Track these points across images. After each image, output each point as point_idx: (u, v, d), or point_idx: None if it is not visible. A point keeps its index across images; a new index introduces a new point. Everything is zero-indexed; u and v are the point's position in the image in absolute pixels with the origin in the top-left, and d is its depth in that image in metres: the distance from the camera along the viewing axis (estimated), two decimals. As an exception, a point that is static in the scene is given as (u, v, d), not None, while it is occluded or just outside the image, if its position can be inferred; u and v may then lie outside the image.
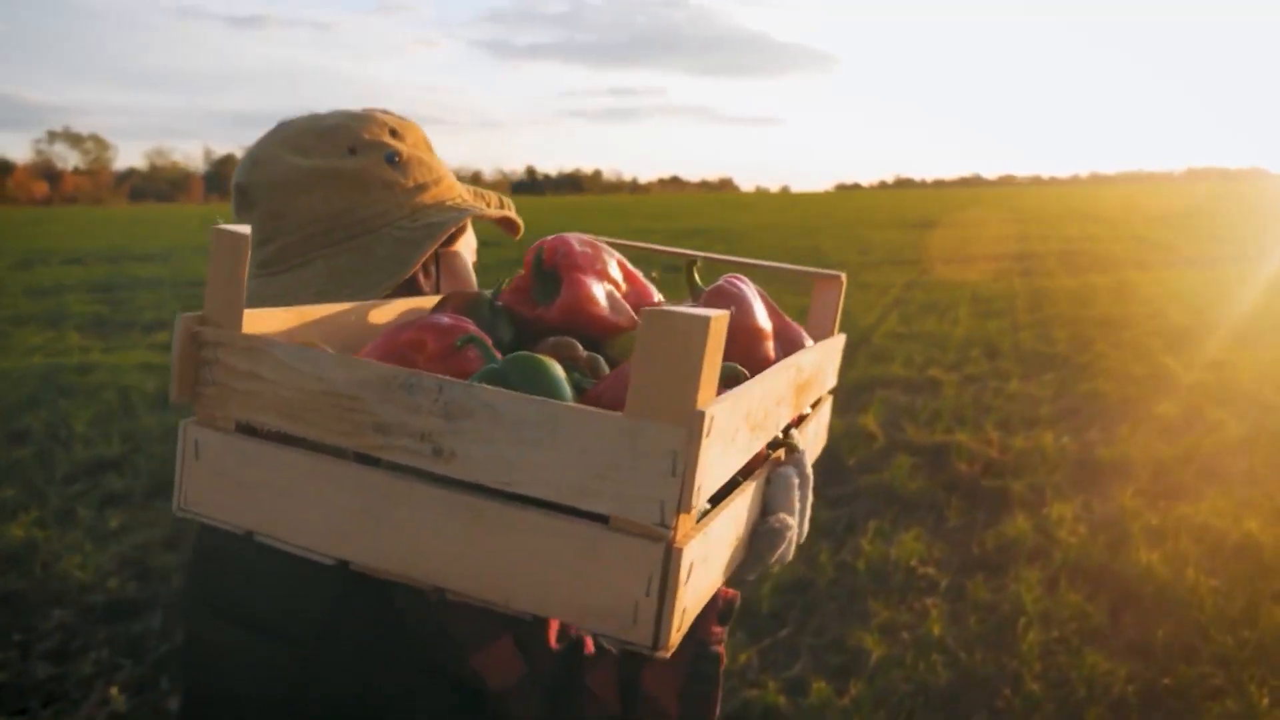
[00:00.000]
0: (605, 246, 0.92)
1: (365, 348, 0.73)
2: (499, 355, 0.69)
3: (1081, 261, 15.48)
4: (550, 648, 0.79)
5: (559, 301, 0.82)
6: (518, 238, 1.11)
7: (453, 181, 1.02)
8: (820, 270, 1.09)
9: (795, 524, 0.75)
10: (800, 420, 0.90)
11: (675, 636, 0.56)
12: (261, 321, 0.71)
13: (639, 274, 0.94)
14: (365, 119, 0.97)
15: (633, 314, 0.86)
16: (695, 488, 0.54)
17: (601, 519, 0.56)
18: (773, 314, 0.91)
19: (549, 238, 0.86)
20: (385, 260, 0.91)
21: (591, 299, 0.82)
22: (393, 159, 0.95)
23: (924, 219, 30.52)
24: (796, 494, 0.76)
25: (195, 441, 0.67)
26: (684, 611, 0.57)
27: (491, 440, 0.57)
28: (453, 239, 1.01)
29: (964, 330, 8.92)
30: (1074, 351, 7.82)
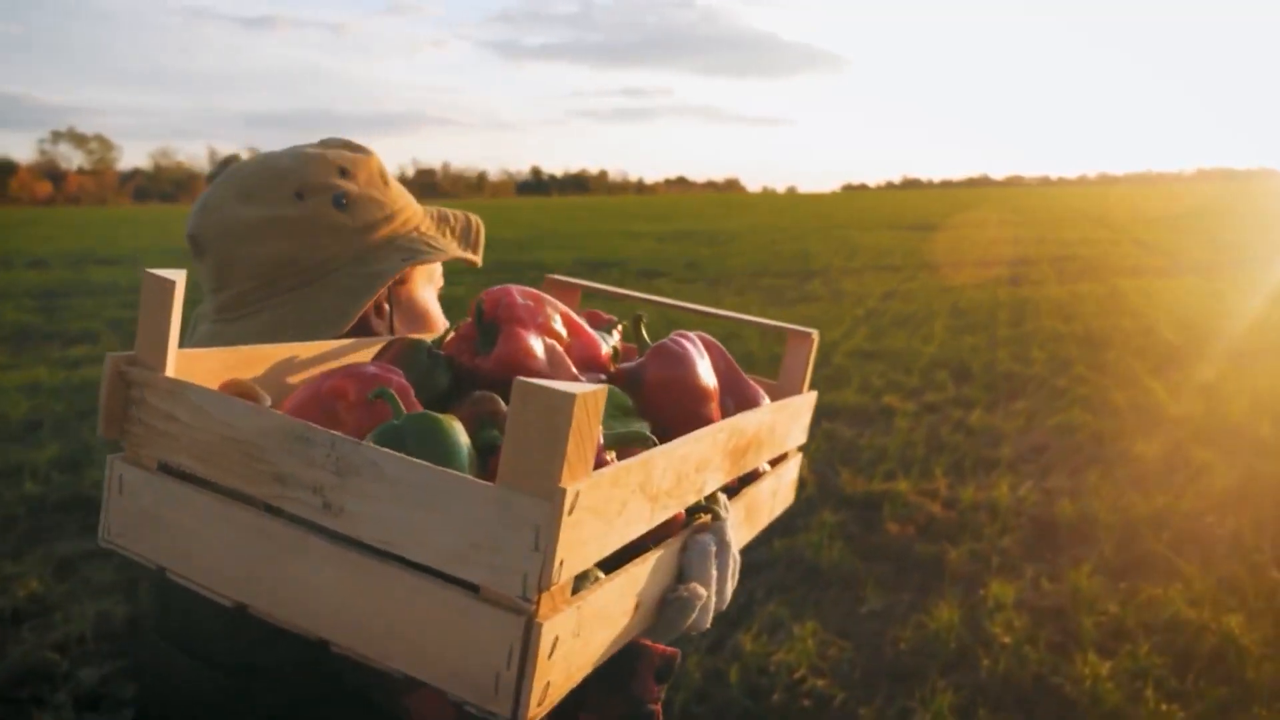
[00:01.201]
0: (550, 299, 0.91)
1: (293, 394, 0.74)
2: (405, 411, 0.69)
3: (1075, 268, 14.72)
4: None
5: (495, 353, 0.83)
6: (478, 265, 1.06)
7: (411, 213, 1.00)
8: (791, 326, 1.09)
9: (709, 593, 0.75)
10: (753, 478, 0.93)
11: (536, 710, 0.56)
12: (198, 362, 0.72)
13: (585, 327, 0.94)
14: (314, 160, 0.96)
15: (572, 369, 0.87)
16: (557, 563, 0.54)
17: (474, 587, 0.56)
18: (726, 372, 0.96)
19: (493, 289, 0.87)
20: (327, 310, 0.90)
21: (528, 352, 0.84)
22: (340, 201, 0.94)
23: (922, 221, 29.76)
24: (713, 562, 0.76)
25: (120, 476, 0.69)
26: (548, 685, 0.57)
27: (376, 499, 0.58)
28: (409, 275, 1.00)
29: (935, 348, 8.15)
30: (1051, 373, 7.06)
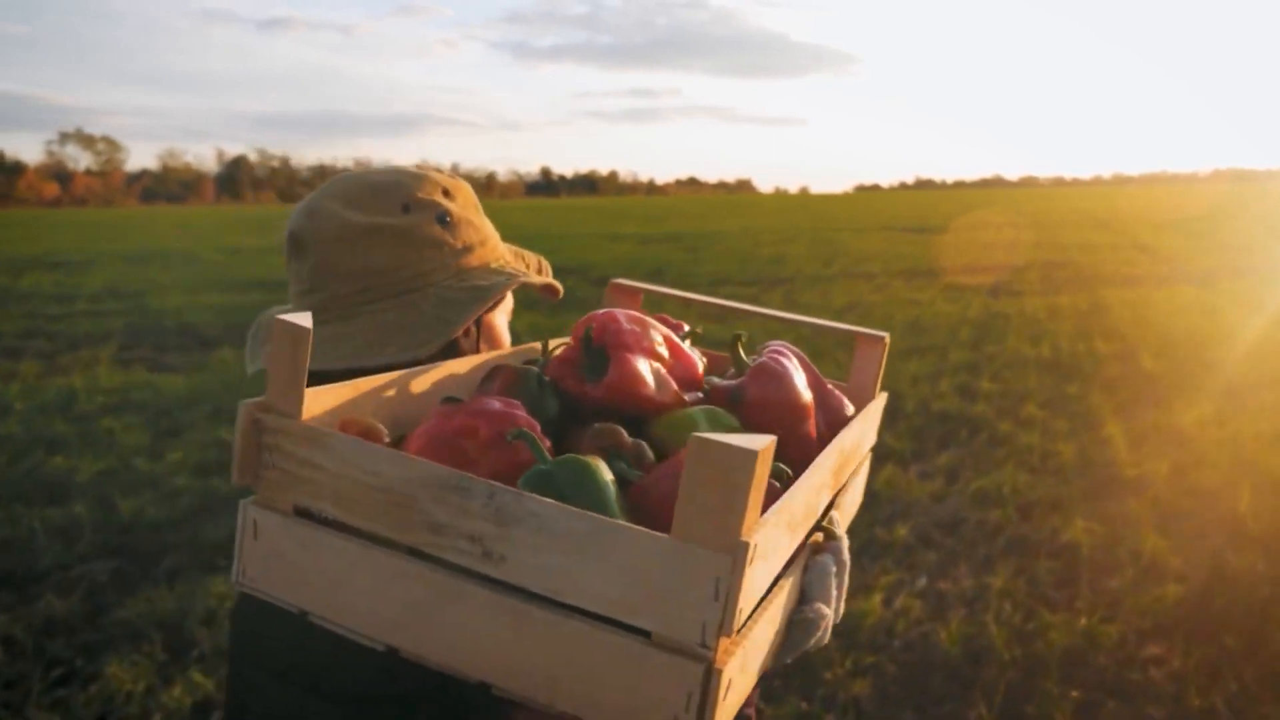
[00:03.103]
0: (652, 321, 0.92)
1: (418, 430, 0.75)
2: (548, 454, 0.70)
3: (1062, 276, 13.59)
4: None
5: (606, 380, 0.84)
6: (558, 300, 1.08)
7: (497, 243, 1.04)
8: (863, 330, 1.10)
9: (831, 611, 0.77)
10: (839, 492, 0.93)
11: None
12: (320, 398, 0.73)
13: (683, 346, 0.95)
14: (420, 178, 0.99)
15: (677, 390, 0.88)
16: (737, 611, 0.56)
17: (643, 633, 0.58)
18: (813, 382, 0.97)
19: (599, 313, 0.87)
20: (431, 320, 0.92)
21: (638, 378, 0.84)
22: (444, 219, 0.96)
23: (921, 224, 28.55)
24: (833, 581, 0.78)
25: (254, 521, 0.70)
26: None
27: (539, 549, 0.59)
28: (494, 305, 1.01)
29: (869, 379, 6.97)
30: (997, 413, 5.97)
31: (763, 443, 0.55)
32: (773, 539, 0.62)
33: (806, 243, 21.47)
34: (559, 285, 1.07)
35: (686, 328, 1.09)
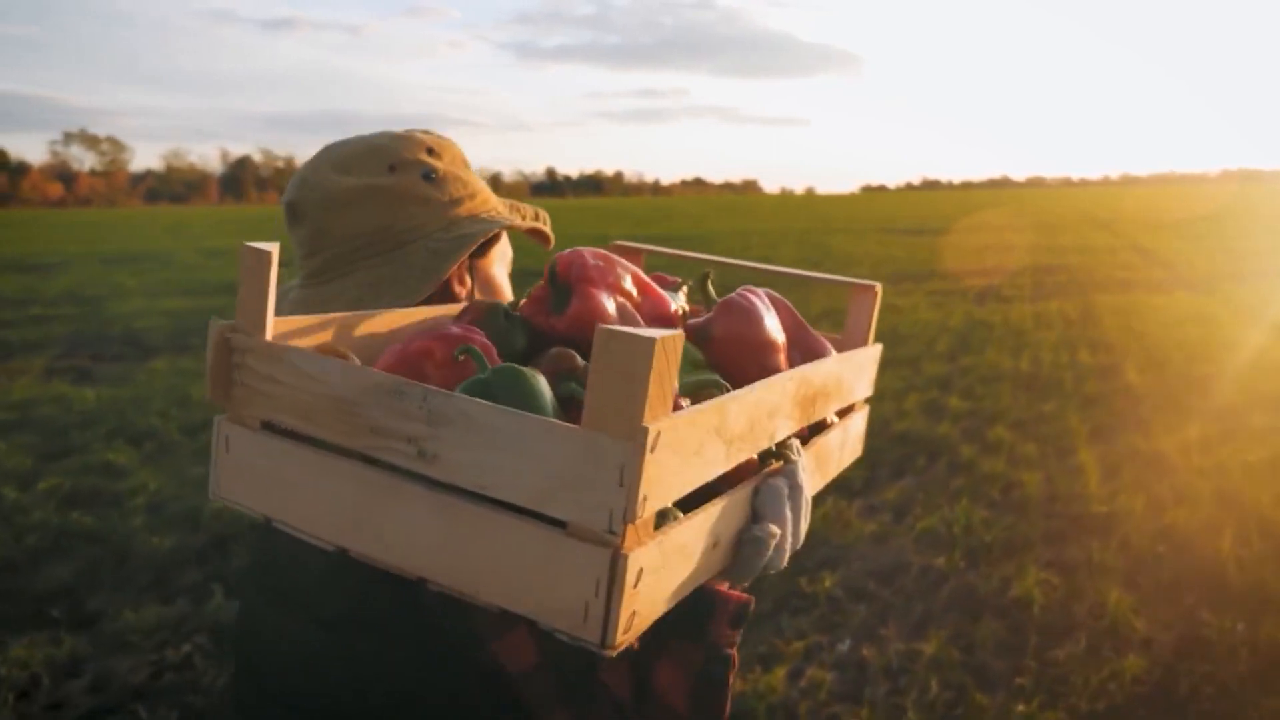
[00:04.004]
0: (620, 260, 0.93)
1: (383, 354, 0.79)
2: (490, 366, 0.72)
3: (1056, 281, 13.07)
4: None
5: (569, 312, 0.86)
6: (549, 248, 1.11)
7: (488, 196, 1.06)
8: (853, 280, 1.12)
9: (785, 533, 0.78)
10: (821, 429, 0.96)
11: (623, 637, 0.60)
12: (292, 327, 0.78)
13: (654, 286, 0.96)
14: (404, 139, 1.02)
15: (644, 326, 0.90)
16: (641, 498, 0.58)
17: (560, 524, 0.60)
18: (793, 325, 0.98)
19: (565, 252, 0.90)
20: (420, 270, 0.95)
21: (600, 311, 0.86)
22: (429, 175, 0.99)
23: (920, 225, 27.99)
24: (786, 503, 0.79)
25: (226, 436, 0.74)
26: (634, 614, 0.61)
27: (467, 446, 0.62)
28: (487, 251, 1.05)
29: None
30: (961, 436, 5.49)
31: (664, 334, 0.56)
32: (690, 436, 0.63)
33: (795, 245, 20.94)
34: (549, 231, 1.10)
35: (680, 281, 1.09)
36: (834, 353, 0.99)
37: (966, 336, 8.62)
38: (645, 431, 0.56)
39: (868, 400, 1.11)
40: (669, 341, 0.56)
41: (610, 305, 0.87)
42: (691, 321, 0.92)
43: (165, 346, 9.33)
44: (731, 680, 0.81)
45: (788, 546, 0.79)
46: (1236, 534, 3.98)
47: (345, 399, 0.67)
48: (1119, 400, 6.25)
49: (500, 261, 1.09)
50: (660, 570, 0.64)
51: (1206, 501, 4.36)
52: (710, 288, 1.00)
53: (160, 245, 25.36)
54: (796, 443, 0.86)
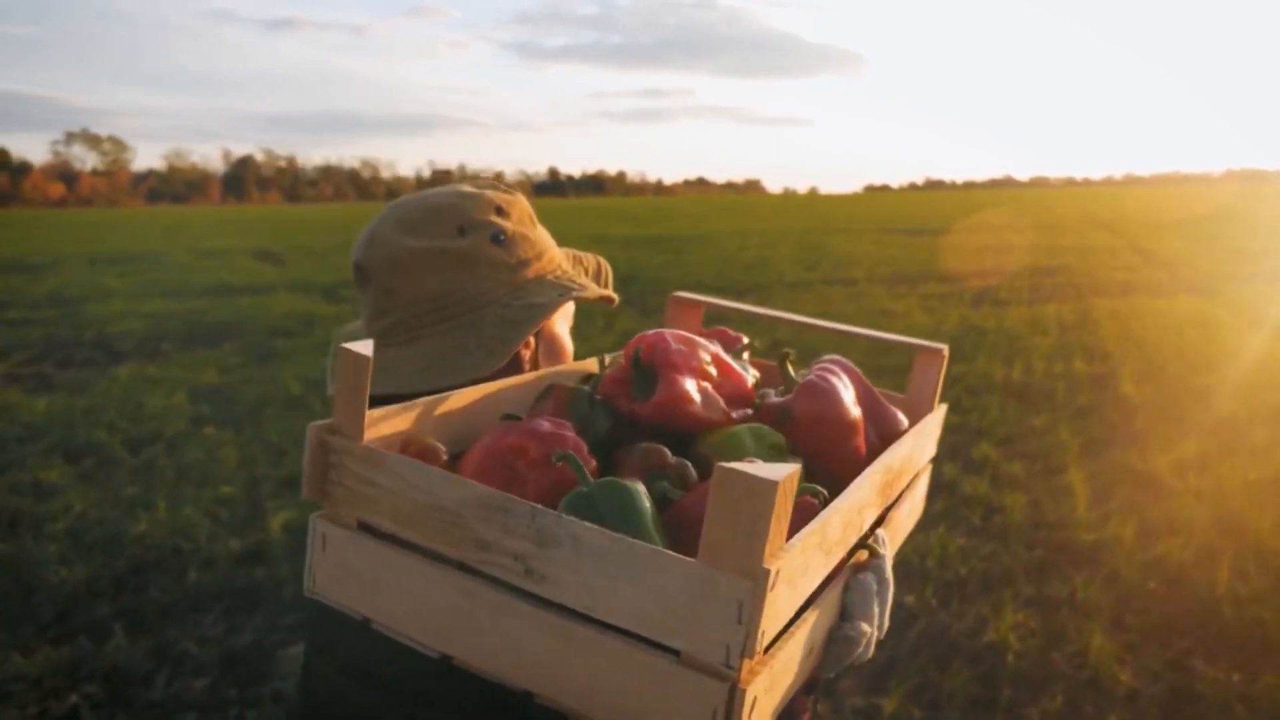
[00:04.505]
0: (701, 341, 0.94)
1: (473, 449, 0.79)
2: (590, 476, 0.73)
3: (1054, 284, 12.74)
4: None
5: (655, 399, 0.86)
6: (613, 307, 1.10)
7: (554, 253, 1.05)
8: (921, 342, 1.13)
9: (872, 629, 0.79)
10: (892, 506, 0.96)
11: None
12: (383, 420, 0.78)
13: (733, 364, 0.97)
14: (474, 198, 1.01)
15: (725, 408, 0.90)
16: (760, 633, 0.58)
17: (674, 651, 0.61)
18: (865, 397, 0.99)
19: (649, 334, 0.91)
20: (490, 340, 0.94)
21: (685, 397, 0.86)
22: (498, 238, 0.98)
23: (921, 226, 27.64)
24: (875, 599, 0.79)
25: (323, 535, 0.75)
26: None
27: (576, 569, 0.63)
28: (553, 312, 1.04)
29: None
30: (945, 454, 5.16)
31: (784, 472, 0.56)
32: (800, 562, 0.64)
33: (793, 246, 20.62)
34: (614, 295, 1.08)
35: (745, 340, 1.12)
36: (904, 421, 1.00)
37: (959, 343, 8.30)
38: (767, 573, 0.57)
39: (932, 460, 1.11)
40: (788, 482, 0.56)
41: (693, 389, 0.88)
42: (772, 402, 0.93)
43: (135, 352, 9.06)
44: None
45: (874, 640, 0.80)
46: (1233, 565, 3.67)
47: (448, 510, 0.68)
48: (1113, 412, 5.94)
49: (563, 318, 1.09)
50: (769, 692, 0.64)
51: (1202, 528, 4.05)
52: (789, 368, 1.00)
53: (154, 246, 25.13)
54: (883, 533, 0.87)
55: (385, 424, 0.78)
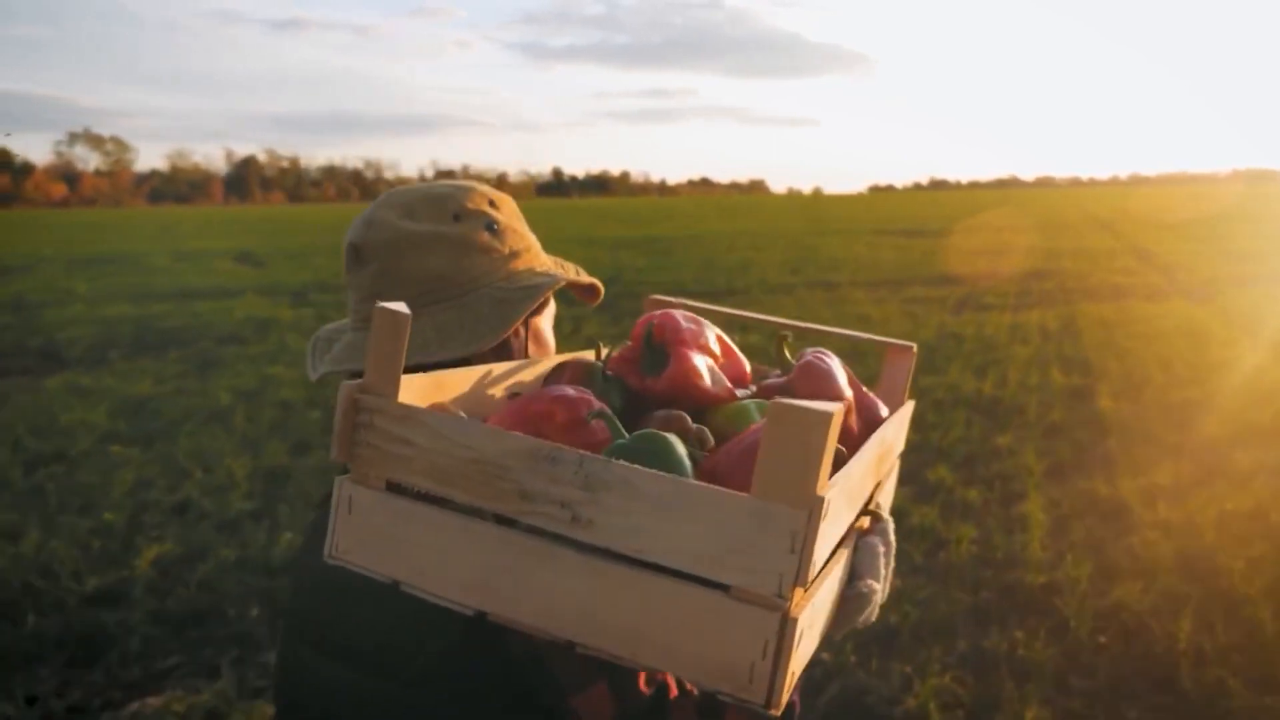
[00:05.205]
0: (706, 322, 0.98)
1: (497, 415, 0.80)
2: (624, 431, 0.76)
3: (1045, 287, 12.39)
4: (641, 692, 0.84)
5: (666, 375, 0.89)
6: (596, 304, 1.15)
7: (540, 251, 1.09)
8: (891, 340, 1.19)
9: (880, 588, 0.82)
10: (877, 487, 0.97)
11: (785, 696, 0.62)
12: (405, 389, 0.76)
13: (734, 347, 1.00)
14: (468, 189, 1.05)
15: (730, 386, 0.93)
16: (811, 563, 0.60)
17: (721, 587, 0.62)
18: (851, 384, 1.00)
19: (658, 313, 0.94)
20: (487, 318, 0.97)
21: (696, 373, 0.89)
22: (492, 227, 1.02)
23: (919, 227, 27.23)
24: (882, 560, 0.83)
25: (349, 497, 0.74)
26: (793, 673, 0.63)
27: (627, 512, 0.64)
28: (543, 306, 1.08)
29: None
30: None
31: (836, 408, 0.58)
32: (838, 502, 0.66)
33: (781, 248, 20.22)
34: (600, 286, 1.13)
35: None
36: (885, 410, 1.03)
37: (934, 351, 7.88)
38: (820, 502, 0.59)
39: (900, 456, 1.15)
40: (839, 416, 0.59)
41: (703, 366, 0.91)
42: (773, 381, 0.99)
43: (78, 360, 8.72)
44: (796, 715, 0.87)
45: (879, 601, 0.83)
46: (1198, 615, 3.25)
47: (492, 463, 0.68)
48: (1085, 431, 5.51)
49: (548, 316, 1.10)
50: (810, 628, 0.66)
51: (1167, 569, 3.63)
52: (786, 351, 1.05)
53: (138, 248, 24.83)
54: (883, 501, 0.93)
55: (408, 392, 0.78)
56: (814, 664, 3.03)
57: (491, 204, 1.04)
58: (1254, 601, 3.33)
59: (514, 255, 1.02)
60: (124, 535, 4.18)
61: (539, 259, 1.07)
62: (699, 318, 0.97)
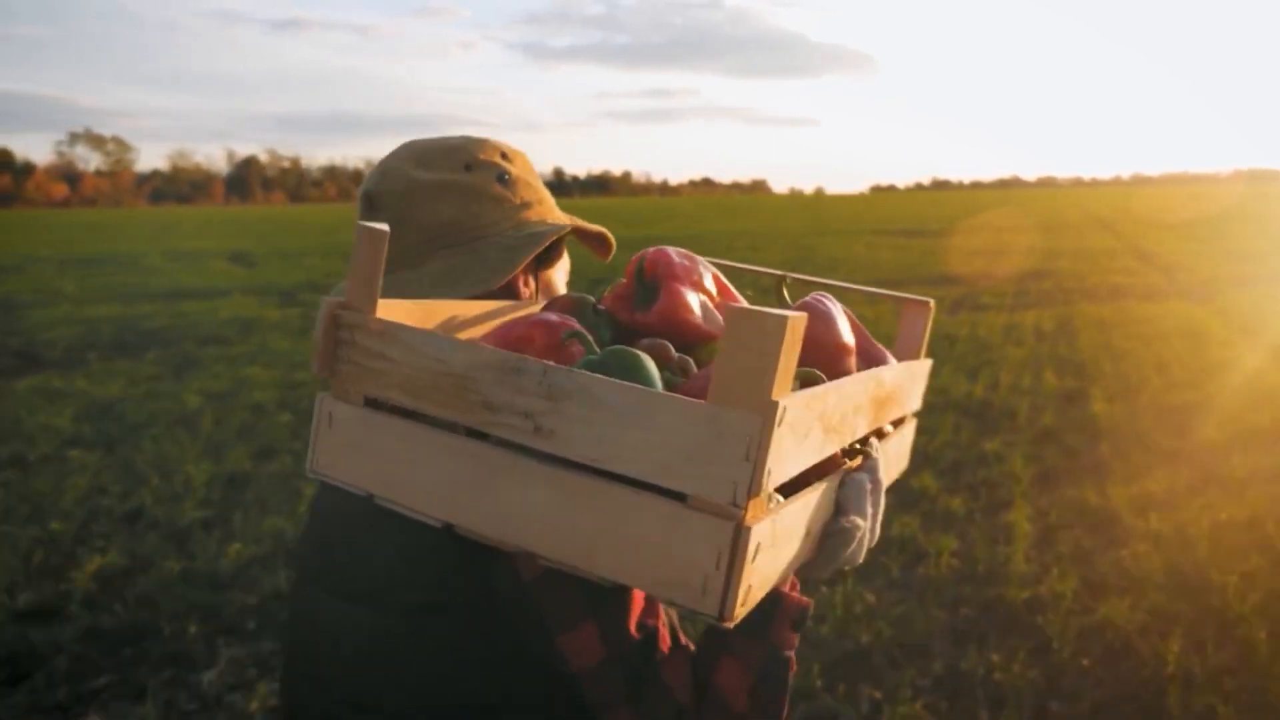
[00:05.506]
0: (701, 259, 0.98)
1: (479, 339, 0.79)
2: (599, 349, 0.75)
3: (1042, 288, 12.20)
4: (630, 636, 0.82)
5: (656, 308, 0.89)
6: (608, 259, 1.15)
7: (553, 204, 1.10)
8: (908, 295, 1.16)
9: (866, 526, 0.81)
10: (880, 434, 0.96)
11: (740, 610, 0.61)
12: (390, 312, 0.78)
13: (732, 287, 1.00)
14: (480, 142, 1.06)
15: (723, 324, 0.86)
16: (766, 471, 0.59)
17: (680, 497, 0.61)
18: (857, 333, 0.99)
19: (650, 249, 0.94)
20: (494, 261, 0.98)
21: (686, 307, 0.89)
22: (503, 178, 1.03)
23: (919, 227, 27.02)
24: (869, 498, 0.82)
25: (329, 413, 0.76)
26: (749, 588, 0.62)
27: (588, 421, 0.63)
28: (550, 261, 1.09)
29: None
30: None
31: (796, 315, 0.57)
32: (804, 418, 0.64)
33: (782, 248, 20.03)
34: (611, 237, 1.12)
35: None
36: (894, 361, 1.00)
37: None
38: (775, 406, 0.57)
39: (915, 414, 1.11)
40: (797, 322, 0.57)
41: (694, 302, 0.90)
42: None
43: (57, 361, 8.56)
44: (789, 681, 0.85)
45: (866, 540, 0.82)
46: (1188, 635, 3.07)
47: (461, 375, 0.68)
48: (1077, 436, 5.33)
49: (561, 269, 1.12)
50: (772, 548, 0.65)
51: (1156, 585, 3.44)
52: (785, 293, 1.01)
53: (132, 248, 24.69)
54: (875, 440, 0.90)
55: (393, 315, 0.77)
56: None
57: (504, 156, 1.06)
58: (1247, 620, 3.15)
59: (525, 206, 1.04)
60: (68, 546, 4.01)
61: (551, 212, 1.08)
62: (693, 255, 0.97)
